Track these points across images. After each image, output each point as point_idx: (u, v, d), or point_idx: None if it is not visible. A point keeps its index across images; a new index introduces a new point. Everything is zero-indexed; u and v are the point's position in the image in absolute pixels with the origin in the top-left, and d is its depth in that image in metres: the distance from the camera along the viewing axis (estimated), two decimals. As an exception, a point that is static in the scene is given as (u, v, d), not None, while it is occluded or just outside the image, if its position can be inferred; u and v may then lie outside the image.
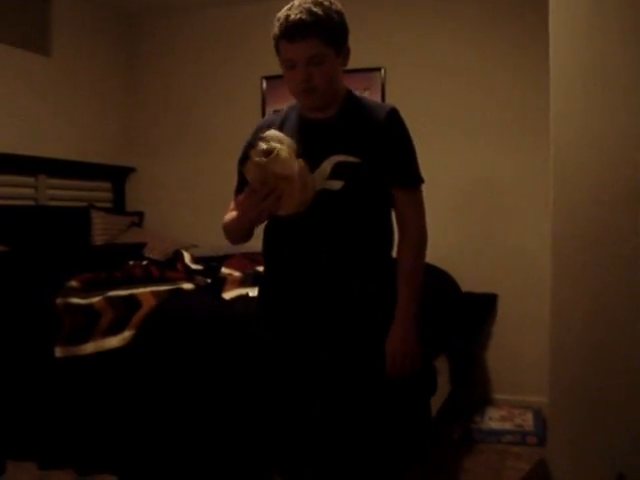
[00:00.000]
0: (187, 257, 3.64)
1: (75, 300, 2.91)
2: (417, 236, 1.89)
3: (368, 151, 1.80)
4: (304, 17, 1.73)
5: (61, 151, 4.08)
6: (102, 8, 4.50)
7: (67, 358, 2.79)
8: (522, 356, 3.82)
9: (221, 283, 3.06)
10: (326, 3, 1.78)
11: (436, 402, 2.78)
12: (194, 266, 3.55)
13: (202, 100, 4.57)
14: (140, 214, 4.63)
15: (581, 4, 2.21)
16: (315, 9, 1.75)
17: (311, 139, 1.84)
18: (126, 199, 4.73)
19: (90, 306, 2.86)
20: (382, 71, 4.12)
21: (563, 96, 2.24)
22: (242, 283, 3.00)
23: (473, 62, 3.94)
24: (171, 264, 3.55)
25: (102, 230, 4.05)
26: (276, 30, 1.79)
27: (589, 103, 2.22)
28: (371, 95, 4.13)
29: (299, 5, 1.76)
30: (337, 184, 1.79)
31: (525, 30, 3.76)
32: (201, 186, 4.56)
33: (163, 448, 2.67)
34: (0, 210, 3.57)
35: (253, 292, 2.87)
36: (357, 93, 1.99)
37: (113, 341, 2.75)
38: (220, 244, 4.30)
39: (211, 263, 3.61)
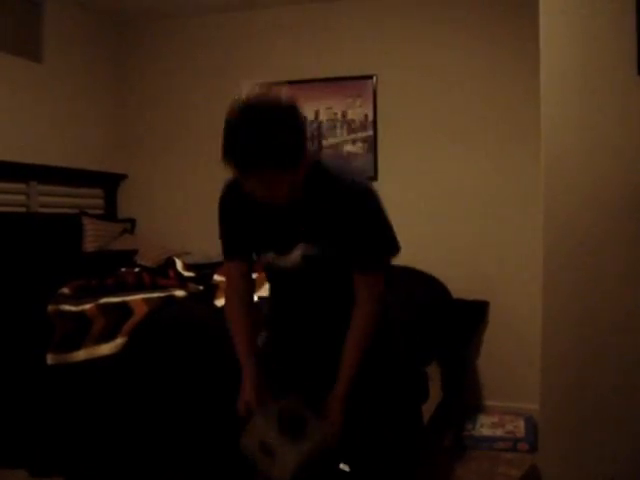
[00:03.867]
0: (179, 264, 3.63)
1: (67, 307, 2.90)
2: (366, 320, 1.81)
3: (329, 241, 1.75)
4: (253, 150, 1.50)
5: (52, 158, 4.07)
6: (93, 15, 4.50)
7: (59, 365, 2.78)
8: (513, 363, 3.83)
9: (213, 290, 3.06)
10: (277, 114, 1.53)
11: (428, 409, 2.79)
12: (186, 273, 3.54)
13: (193, 107, 4.57)
14: (132, 221, 4.62)
15: (572, 12, 2.23)
16: (265, 133, 1.51)
17: (277, 223, 1.80)
18: (118, 206, 4.71)
19: (82, 313, 2.85)
20: (374, 79, 4.14)
21: (554, 104, 2.26)
22: (234, 290, 2.99)
23: (465, 69, 3.96)
24: (163, 271, 3.54)
25: (94, 237, 4.04)
26: (223, 146, 1.55)
27: (580, 111, 2.24)
28: (363, 103, 4.15)
29: (247, 122, 1.51)
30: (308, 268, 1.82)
31: (518, 37, 3.78)
32: (193, 193, 4.56)
33: (156, 455, 2.67)
34: (-9, 217, 3.55)
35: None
36: (326, 162, 1.78)
37: (105, 348, 2.74)
38: (212, 251, 4.31)
39: (203, 270, 3.60)
